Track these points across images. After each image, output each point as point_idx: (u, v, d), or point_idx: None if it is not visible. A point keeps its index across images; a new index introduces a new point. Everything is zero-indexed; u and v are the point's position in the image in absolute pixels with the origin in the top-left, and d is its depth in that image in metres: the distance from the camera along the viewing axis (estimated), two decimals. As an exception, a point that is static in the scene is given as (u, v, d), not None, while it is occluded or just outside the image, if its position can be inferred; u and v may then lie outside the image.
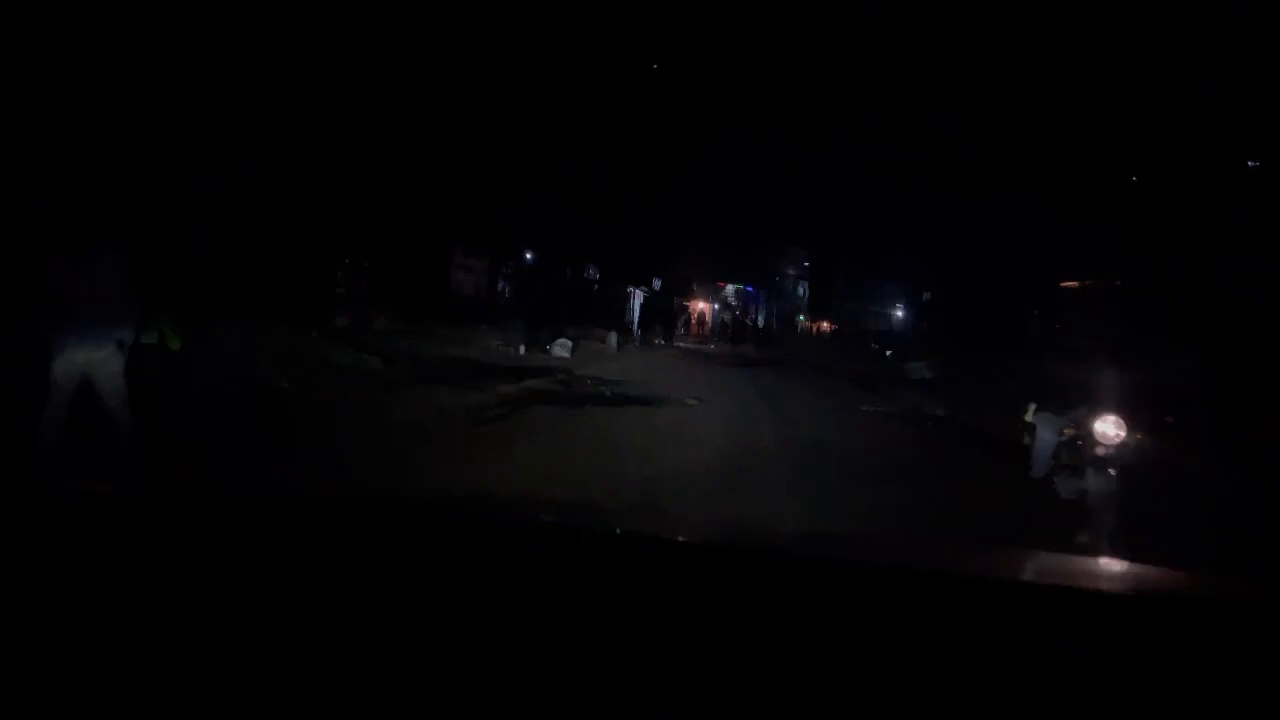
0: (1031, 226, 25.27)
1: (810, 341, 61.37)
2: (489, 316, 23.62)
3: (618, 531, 1.70)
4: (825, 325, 74.82)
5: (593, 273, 33.27)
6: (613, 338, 24.30)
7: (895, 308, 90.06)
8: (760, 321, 59.15)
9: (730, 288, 57.52)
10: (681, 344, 36.07)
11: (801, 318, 72.53)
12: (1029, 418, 7.02)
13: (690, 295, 44.71)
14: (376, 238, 21.52)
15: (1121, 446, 6.36)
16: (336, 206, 19.30)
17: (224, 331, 10.62)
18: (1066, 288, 24.23)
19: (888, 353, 40.65)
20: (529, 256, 28.70)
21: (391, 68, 20.07)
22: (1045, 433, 6.79)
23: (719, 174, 48.27)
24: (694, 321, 40.99)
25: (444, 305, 22.95)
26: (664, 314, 36.65)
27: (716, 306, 48.69)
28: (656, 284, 39.99)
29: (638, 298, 38.72)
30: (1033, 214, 25.71)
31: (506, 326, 22.32)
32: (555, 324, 27.85)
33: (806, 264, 71.64)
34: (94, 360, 5.75)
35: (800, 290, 72.91)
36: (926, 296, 49.31)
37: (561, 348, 20.60)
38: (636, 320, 37.05)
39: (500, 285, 28.44)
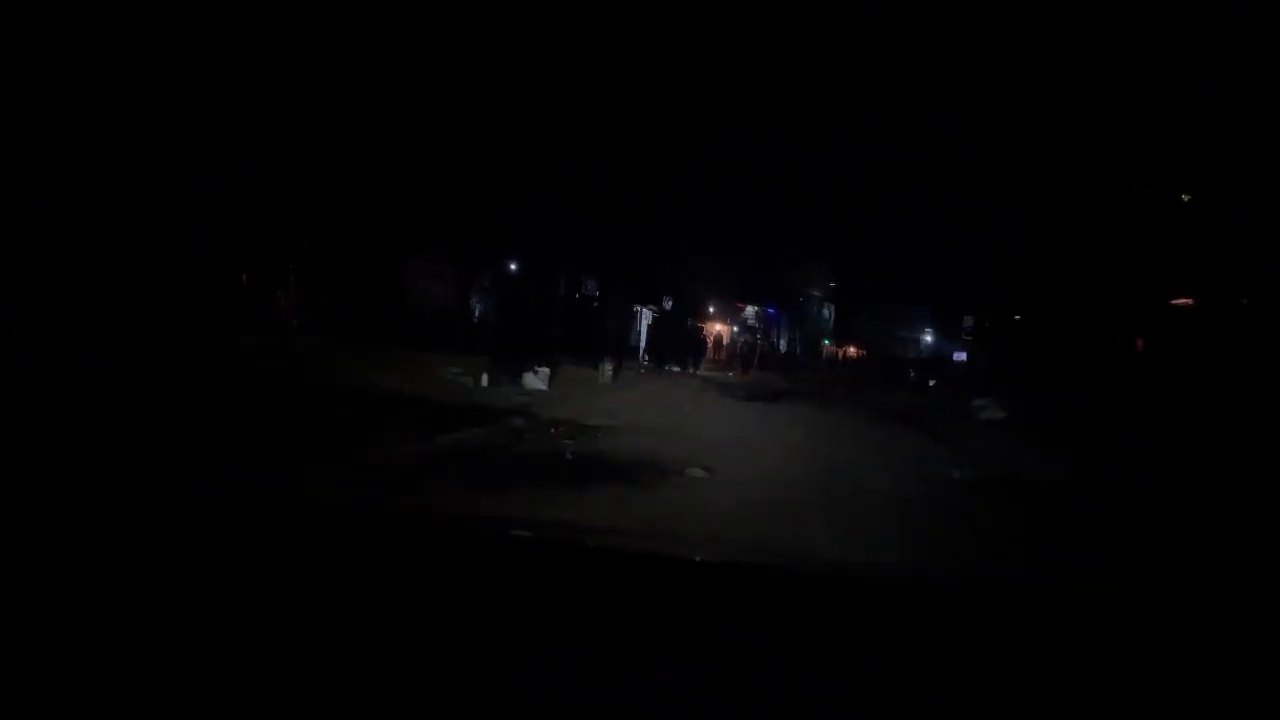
0: (1121, 232, 20.64)
1: (838, 369, 56.66)
2: (458, 337, 19.16)
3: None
4: (852, 350, 70.07)
5: (591, 288, 28.85)
6: (606, 365, 19.80)
7: (924, 333, 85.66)
8: (783, 346, 54.55)
9: (750, 309, 53.16)
10: (696, 371, 31.54)
11: (826, 342, 67.81)
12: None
13: (706, 316, 40.17)
14: (304, 236, 17.19)
15: None
16: (246, 195, 15.00)
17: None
18: (1179, 307, 19.70)
19: (930, 383, 36.00)
20: (513, 266, 24.31)
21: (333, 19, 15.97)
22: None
23: (738, 185, 44.35)
24: (711, 346, 36.42)
25: (397, 322, 18.56)
26: (676, 337, 32.12)
27: (735, 329, 44.11)
28: (668, 303, 35.50)
29: (646, 318, 34.23)
30: (1120, 217, 21.06)
31: (475, 350, 17.83)
32: (542, 348, 23.46)
33: (831, 284, 67.04)
34: None
35: (825, 313, 68.29)
36: (969, 322, 44.60)
37: (536, 378, 16.10)
38: (644, 343, 32.57)
39: (474, 300, 23.97)
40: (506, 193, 23.02)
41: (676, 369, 31.29)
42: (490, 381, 15.68)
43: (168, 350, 12.22)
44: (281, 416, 8.49)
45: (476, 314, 23.54)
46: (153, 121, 13.10)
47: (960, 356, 56.37)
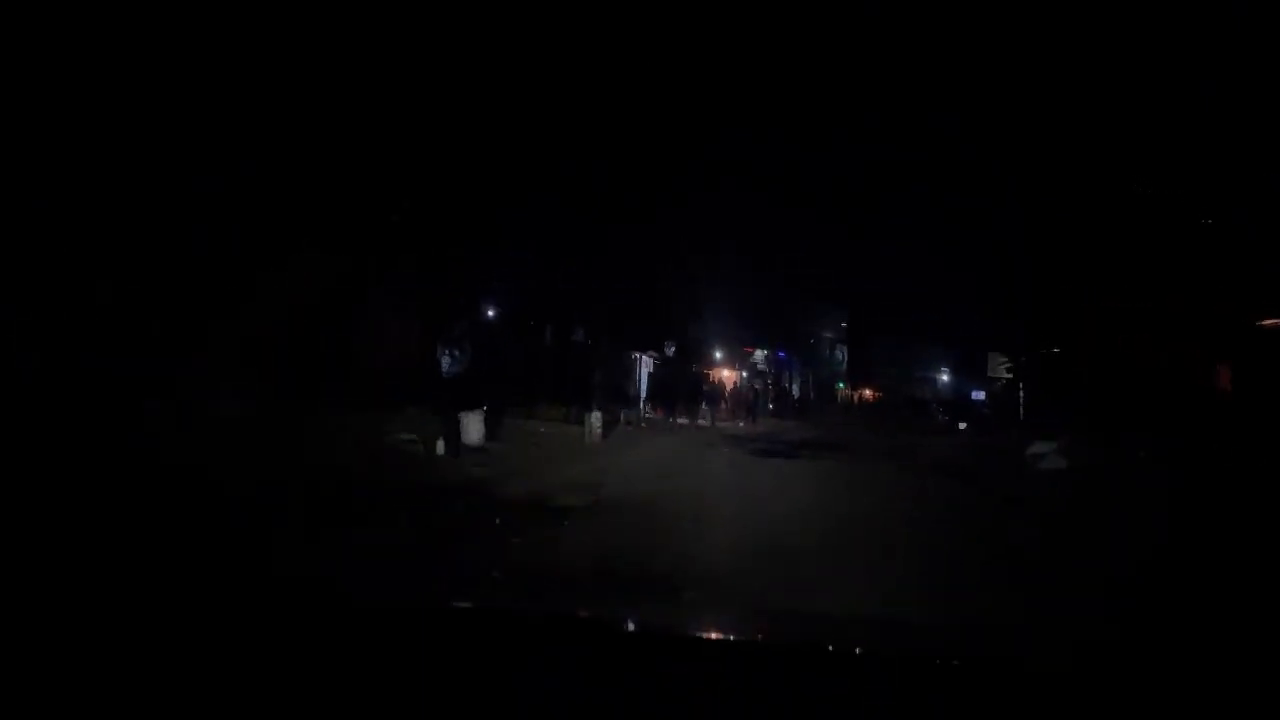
0: (1187, 243, 17.75)
1: (855, 413, 53.52)
2: (422, 393, 16.25)
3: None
4: (868, 393, 66.97)
5: (584, 335, 26.02)
6: (594, 421, 16.85)
7: (940, 372, 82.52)
8: (795, 390, 51.52)
9: (760, 353, 50.25)
10: (704, 422, 28.56)
11: (841, 385, 64.71)
12: None
13: (713, 362, 37.28)
14: (236, 282, 14.41)
15: None
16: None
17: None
18: (1272, 328, 16.73)
19: (961, 425, 32.92)
20: (491, 312, 21.50)
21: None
22: None
23: (744, 225, 41.84)
24: (724, 394, 33.42)
25: (346, 378, 15.69)
26: (680, 386, 29.19)
27: (744, 374, 41.16)
28: (670, 349, 32.61)
29: (647, 366, 31.34)
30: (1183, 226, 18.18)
31: (442, 408, 14.88)
32: (523, 402, 20.55)
33: (843, 324, 64.14)
34: None
35: (838, 354, 65.28)
36: (1000, 361, 41.58)
37: (498, 443, 13.24)
38: (644, 394, 29.63)
39: (444, 351, 21.06)
40: (481, 229, 20.37)
41: (683, 420, 28.31)
42: (448, 448, 12.76)
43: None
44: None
45: (446, 366, 20.66)
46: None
47: (979, 395, 53.58)
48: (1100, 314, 19.18)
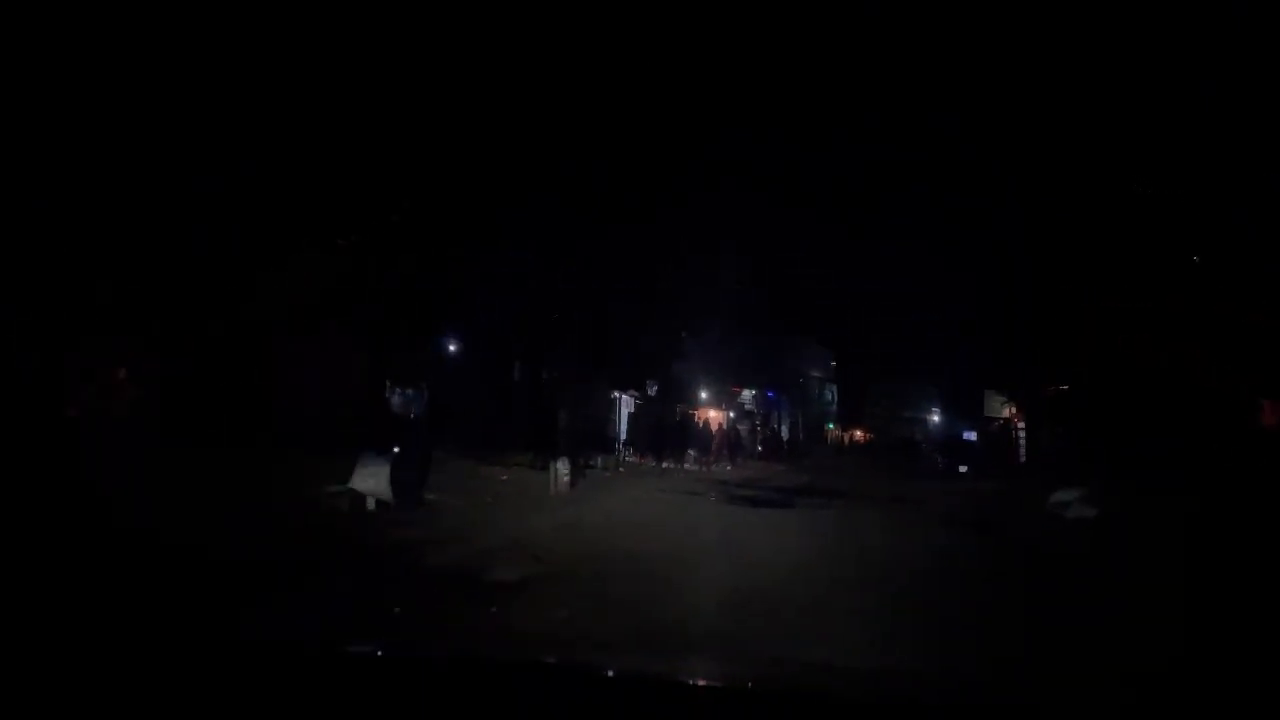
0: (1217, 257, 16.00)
1: (847, 455, 51.57)
2: (367, 437, 14.21)
3: None
4: (858, 434, 64.96)
5: (553, 373, 24.04)
6: (561, 467, 14.79)
7: (931, 412, 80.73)
8: (785, 431, 49.55)
9: (748, 393, 48.32)
10: (689, 466, 26.54)
11: (830, 425, 62.78)
12: None
13: (698, 403, 35.31)
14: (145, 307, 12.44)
15: None
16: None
17: None
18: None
19: (961, 469, 30.98)
20: (453, 347, 19.58)
21: None
22: None
23: (732, 258, 40.17)
24: (715, 436, 31.38)
25: (271, 418, 13.63)
26: (663, 427, 27.21)
27: (731, 414, 39.20)
28: (652, 389, 30.68)
29: (627, 406, 29.35)
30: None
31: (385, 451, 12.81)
32: (490, 445, 18.53)
33: (833, 363, 62.36)
34: None
35: (828, 394, 63.42)
36: (1002, 401, 39.81)
37: (442, 494, 11.22)
38: (624, 436, 27.60)
39: (395, 390, 19.04)
40: (447, 253, 18.43)
41: (668, 464, 26.31)
42: (396, 500, 10.69)
43: None
44: None
45: (396, 405, 18.67)
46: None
47: (970, 436, 51.77)
48: (1121, 344, 17.42)
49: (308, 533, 8.41)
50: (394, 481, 10.77)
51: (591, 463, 22.78)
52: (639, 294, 29.60)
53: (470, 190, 18.10)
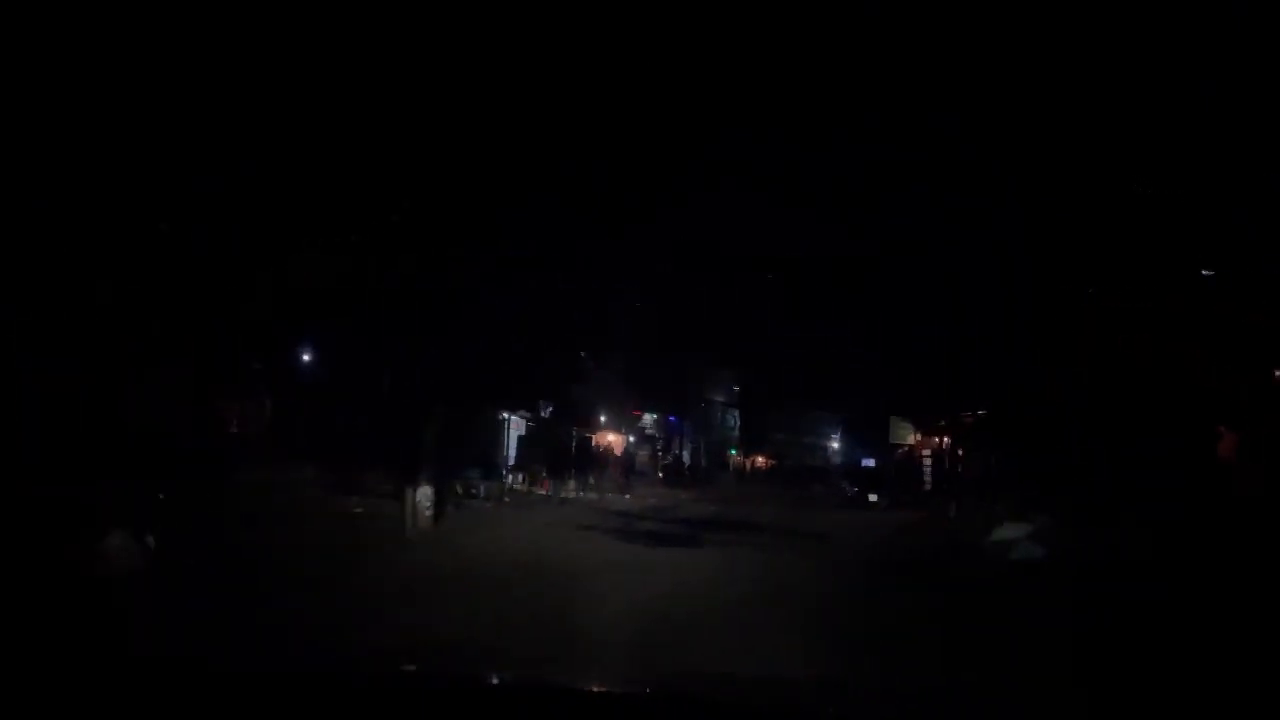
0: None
1: (752, 482, 49.90)
2: (192, 466, 11.40)
3: None
4: (761, 460, 63.64)
5: (430, 387, 21.27)
6: (421, 497, 12.23)
7: (830, 439, 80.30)
8: (687, 457, 47.61)
9: (649, 417, 46.33)
10: (585, 494, 24.16)
11: (733, 451, 61.24)
12: None
13: (597, 426, 33.00)
14: None
15: None
16: None
17: None
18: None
19: (871, 498, 29.39)
20: (307, 356, 16.80)
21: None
22: None
23: (632, 281, 38.24)
24: (612, 462, 28.82)
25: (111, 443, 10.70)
26: (555, 451, 24.75)
27: (632, 439, 37.03)
28: (546, 410, 28.22)
29: (516, 428, 26.80)
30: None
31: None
32: (351, 469, 15.85)
33: (736, 388, 60.94)
34: None
35: (730, 420, 61.93)
36: (907, 427, 38.78)
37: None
38: (513, 460, 25.04)
39: (231, 409, 16.04)
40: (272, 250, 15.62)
41: (563, 493, 23.88)
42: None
43: None
44: None
45: (235, 427, 15.81)
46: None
47: (869, 463, 51.14)
48: (1062, 359, 15.85)
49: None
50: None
51: (474, 490, 20.18)
52: (536, 313, 27.28)
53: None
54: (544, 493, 23.75)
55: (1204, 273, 14.10)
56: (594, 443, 31.66)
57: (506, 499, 20.87)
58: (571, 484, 24.54)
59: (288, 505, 11.04)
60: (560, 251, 30.66)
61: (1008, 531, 12.93)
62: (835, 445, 79.26)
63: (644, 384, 41.40)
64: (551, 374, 29.70)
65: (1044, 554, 12.23)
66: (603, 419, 35.74)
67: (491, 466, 21.91)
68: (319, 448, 15.56)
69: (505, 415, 26.10)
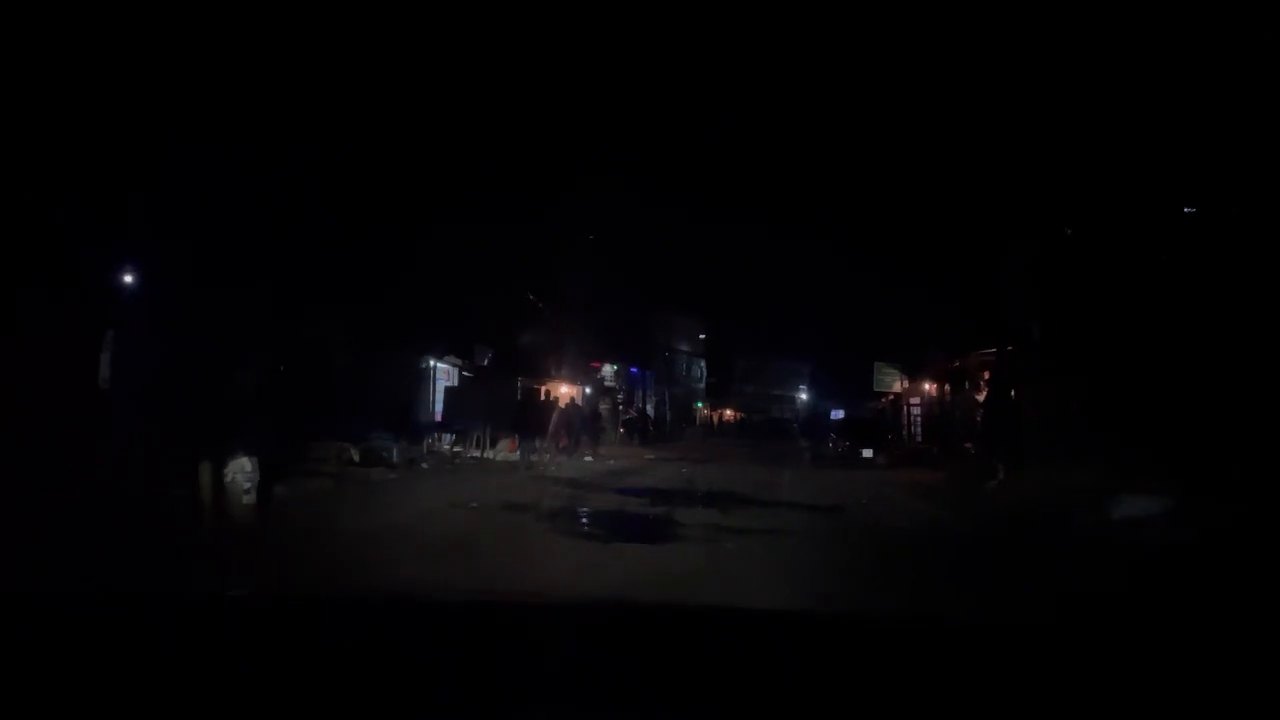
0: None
1: (722, 437, 45.88)
2: None
3: None
4: (729, 413, 59.74)
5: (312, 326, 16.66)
6: (234, 470, 7.73)
7: (798, 390, 76.64)
8: (650, 411, 43.38)
9: (608, 368, 41.94)
10: (532, 457, 19.81)
11: (700, 405, 57.19)
12: None
13: (547, 376, 28.43)
14: None
15: None
16: None
17: None
18: None
19: (866, 453, 25.34)
20: (130, 278, 12.10)
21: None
22: None
23: (595, 219, 33.84)
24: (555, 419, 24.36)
25: None
26: (494, 406, 20.23)
27: (588, 391, 32.56)
28: (484, 357, 23.64)
29: (441, 377, 22.22)
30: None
31: None
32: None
33: (702, 336, 56.74)
34: None
35: (696, 371, 57.80)
36: (892, 374, 34.93)
37: None
38: (439, 417, 20.50)
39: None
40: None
41: (501, 455, 19.47)
42: None
43: None
44: None
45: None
46: None
47: (838, 415, 47.63)
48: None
49: None
50: None
51: (385, 454, 15.69)
52: (470, 242, 22.80)
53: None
54: (476, 455, 19.32)
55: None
56: (546, 395, 27.25)
57: (425, 464, 16.42)
58: (521, 445, 20.15)
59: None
60: (507, 178, 26.29)
61: (1134, 506, 8.74)
62: (804, 397, 75.72)
63: (602, 331, 37.14)
64: (491, 316, 25.17)
65: (1193, 539, 8.10)
66: (557, 370, 31.25)
67: (406, 425, 17.38)
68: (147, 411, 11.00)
69: (431, 363, 21.48)
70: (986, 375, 20.51)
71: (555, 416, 20.62)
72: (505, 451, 19.99)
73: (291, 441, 11.26)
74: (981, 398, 20.81)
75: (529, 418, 19.47)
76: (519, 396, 22.73)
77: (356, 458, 14.54)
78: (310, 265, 15.33)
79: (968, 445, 20.61)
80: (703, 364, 58.58)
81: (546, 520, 9.89)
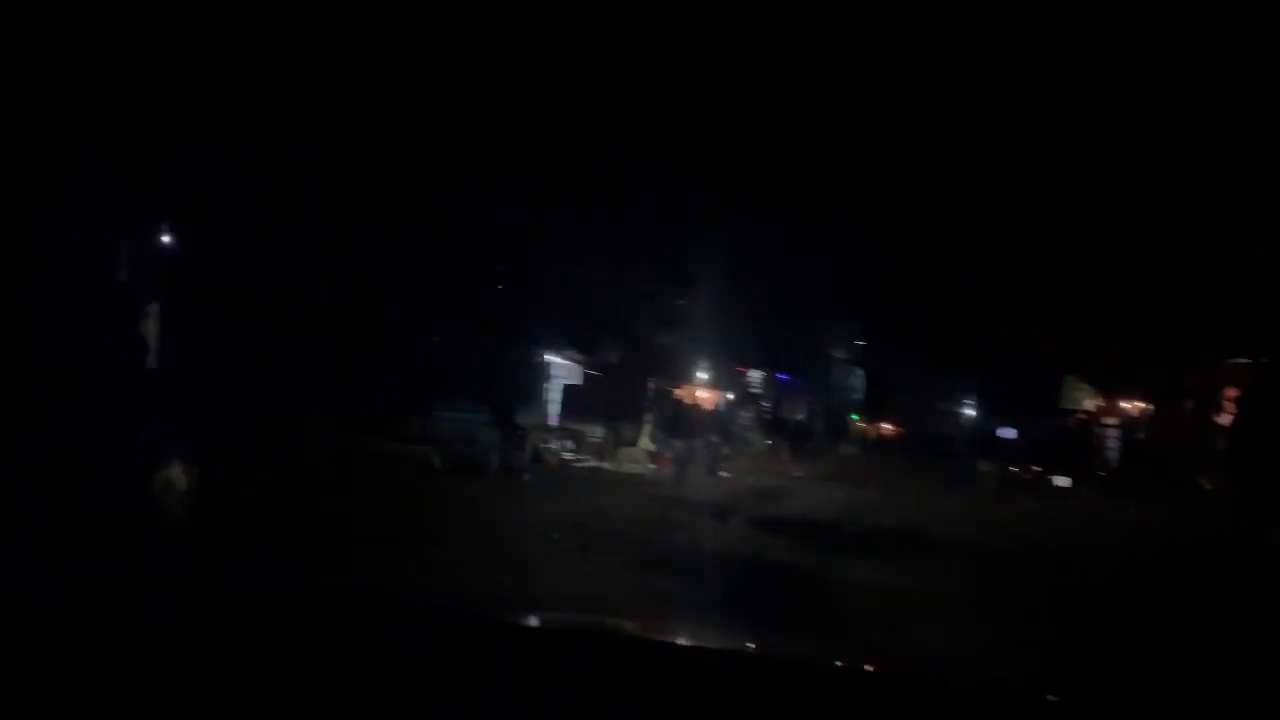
0: None
1: (882, 454, 41.69)
2: None
3: None
4: (887, 427, 55.08)
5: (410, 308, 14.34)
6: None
7: (964, 405, 70.91)
8: (800, 420, 39.87)
9: (756, 374, 38.84)
10: (652, 466, 16.96)
11: (854, 416, 53.01)
12: None
13: (682, 379, 25.46)
14: None
15: None
16: None
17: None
18: None
19: (1059, 481, 21.03)
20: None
21: None
22: None
23: (740, 208, 30.97)
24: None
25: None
26: (616, 406, 17.51)
27: (729, 397, 29.41)
28: (613, 354, 20.90)
29: (560, 374, 19.63)
30: None
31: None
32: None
33: (860, 343, 52.65)
34: None
35: (852, 380, 53.77)
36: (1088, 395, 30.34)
37: None
38: (556, 417, 17.90)
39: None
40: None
41: (630, 466, 16.73)
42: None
43: None
44: None
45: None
46: None
47: (1007, 433, 42.87)
48: None
49: None
50: None
51: (476, 459, 13.10)
52: (604, 226, 20.49)
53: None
54: (591, 462, 16.60)
55: None
56: (690, 400, 24.30)
57: (527, 475, 13.72)
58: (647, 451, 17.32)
59: None
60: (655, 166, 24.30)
61: None
62: (970, 412, 70.05)
63: (750, 334, 34.22)
64: (623, 308, 22.50)
65: None
66: (695, 373, 28.35)
67: (510, 426, 14.75)
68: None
69: (547, 357, 18.90)
70: (1231, 391, 16.26)
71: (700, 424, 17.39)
72: (629, 461, 17.21)
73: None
74: (1223, 418, 16.54)
75: (678, 425, 16.39)
76: (648, 395, 19.93)
77: (438, 463, 12.01)
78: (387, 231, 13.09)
79: (1203, 480, 16.34)
80: (860, 373, 54.42)
81: (641, 568, 6.93)
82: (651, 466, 17.35)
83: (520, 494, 11.61)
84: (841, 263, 48.76)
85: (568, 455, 16.57)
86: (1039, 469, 21.89)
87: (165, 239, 12.13)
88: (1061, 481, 21.08)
